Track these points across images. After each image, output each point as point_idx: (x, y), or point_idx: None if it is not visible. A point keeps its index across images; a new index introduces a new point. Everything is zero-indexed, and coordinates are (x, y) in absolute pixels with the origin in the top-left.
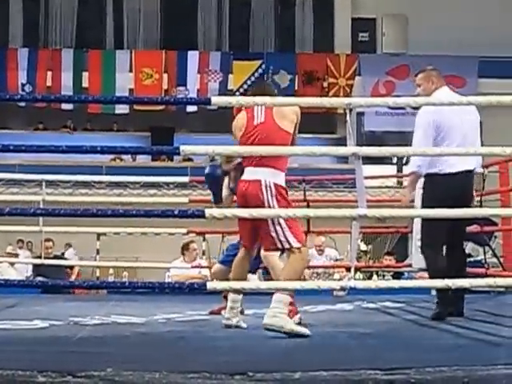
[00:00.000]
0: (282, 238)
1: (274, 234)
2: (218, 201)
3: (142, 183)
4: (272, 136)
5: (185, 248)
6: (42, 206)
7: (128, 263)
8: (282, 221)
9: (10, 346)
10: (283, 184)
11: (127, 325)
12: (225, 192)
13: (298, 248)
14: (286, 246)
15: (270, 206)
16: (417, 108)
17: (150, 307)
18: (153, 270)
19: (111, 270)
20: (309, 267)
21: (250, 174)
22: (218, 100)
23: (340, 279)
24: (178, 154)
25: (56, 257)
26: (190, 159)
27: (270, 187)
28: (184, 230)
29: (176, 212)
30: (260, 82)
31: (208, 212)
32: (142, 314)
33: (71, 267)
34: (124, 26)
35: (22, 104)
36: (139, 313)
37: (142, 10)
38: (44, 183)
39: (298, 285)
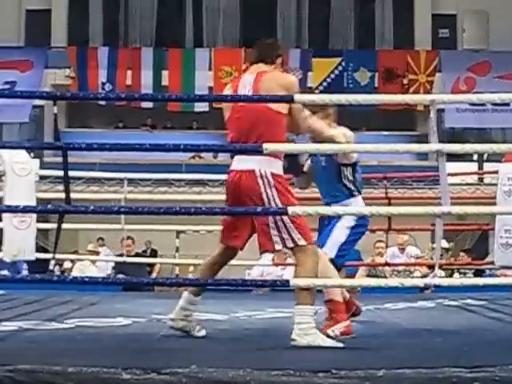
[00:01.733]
0: (285, 236)
1: (274, 232)
2: (297, 174)
3: (222, 181)
4: (258, 119)
5: None
6: (123, 204)
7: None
8: (285, 216)
9: (94, 343)
10: (281, 173)
11: (209, 322)
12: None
13: (305, 246)
14: (290, 244)
15: (269, 200)
16: (499, 104)
17: (231, 304)
18: (232, 267)
19: (191, 268)
20: (389, 265)
21: (240, 162)
22: (300, 97)
23: (423, 276)
24: (261, 152)
25: (137, 254)
26: None
27: (266, 177)
28: None
29: (259, 210)
30: None
31: (291, 209)
32: (224, 311)
33: (152, 265)
34: (203, 24)
35: (103, 103)
36: (220, 310)
37: (222, 8)
38: (126, 181)
39: (382, 283)
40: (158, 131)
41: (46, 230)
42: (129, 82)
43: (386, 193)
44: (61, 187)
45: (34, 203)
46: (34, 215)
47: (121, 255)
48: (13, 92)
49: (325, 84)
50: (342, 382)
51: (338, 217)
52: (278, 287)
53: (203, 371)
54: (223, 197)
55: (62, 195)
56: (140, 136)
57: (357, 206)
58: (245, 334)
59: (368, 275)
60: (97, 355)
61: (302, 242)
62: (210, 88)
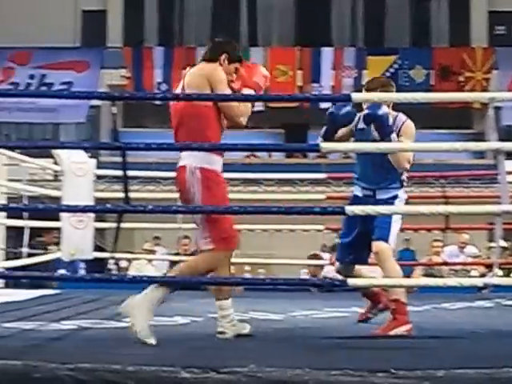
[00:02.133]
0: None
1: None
2: (327, 138)
3: (277, 180)
4: (183, 115)
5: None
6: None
7: (263, 260)
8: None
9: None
10: (214, 168)
11: (266, 321)
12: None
13: (209, 250)
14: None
15: (194, 196)
16: None
17: (287, 304)
18: (287, 267)
19: (247, 267)
20: (448, 264)
21: (180, 159)
22: (358, 96)
23: (481, 276)
24: (318, 151)
25: (193, 253)
26: (324, 156)
27: (194, 173)
28: (321, 227)
29: (316, 209)
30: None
31: (348, 209)
32: (280, 310)
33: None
34: (258, 22)
35: (158, 102)
36: (277, 309)
37: (276, 7)
38: None
39: (441, 282)
40: None
41: (103, 229)
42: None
43: (444, 191)
44: (117, 187)
45: (91, 203)
46: (92, 215)
47: (177, 254)
48: (71, 93)
49: None
50: (400, 381)
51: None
52: (336, 287)
53: (262, 370)
54: (278, 196)
55: (119, 195)
56: None
57: (403, 197)
58: (302, 333)
59: (424, 275)
60: (156, 354)
61: (207, 246)
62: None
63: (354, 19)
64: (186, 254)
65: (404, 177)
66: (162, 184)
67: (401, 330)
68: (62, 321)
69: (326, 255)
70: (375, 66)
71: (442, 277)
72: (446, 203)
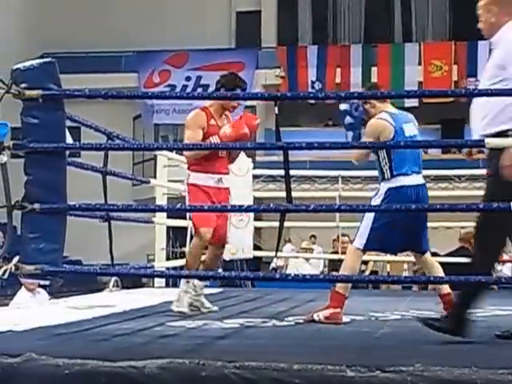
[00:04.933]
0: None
1: None
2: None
3: (433, 176)
4: None
5: None
6: (338, 202)
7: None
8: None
9: (314, 340)
10: (197, 182)
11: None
12: None
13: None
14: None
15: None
16: None
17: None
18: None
19: (405, 266)
20: None
21: None
22: None
23: None
24: (483, 146)
25: None
26: (481, 151)
27: (185, 186)
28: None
29: (481, 206)
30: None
31: None
32: (441, 309)
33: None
34: (412, 18)
35: (312, 101)
36: (437, 308)
37: (431, 1)
38: (340, 179)
39: None
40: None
41: (259, 228)
42: (338, 79)
43: None
44: (272, 186)
45: (251, 202)
46: (252, 214)
47: (335, 252)
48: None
49: None
50: None
51: None
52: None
53: (428, 369)
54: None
55: (275, 194)
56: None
57: None
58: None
59: None
60: (320, 352)
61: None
62: (420, 83)
63: None
64: (344, 253)
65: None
66: (317, 182)
67: (324, 313)
68: (224, 319)
69: None
70: None
71: None
72: None
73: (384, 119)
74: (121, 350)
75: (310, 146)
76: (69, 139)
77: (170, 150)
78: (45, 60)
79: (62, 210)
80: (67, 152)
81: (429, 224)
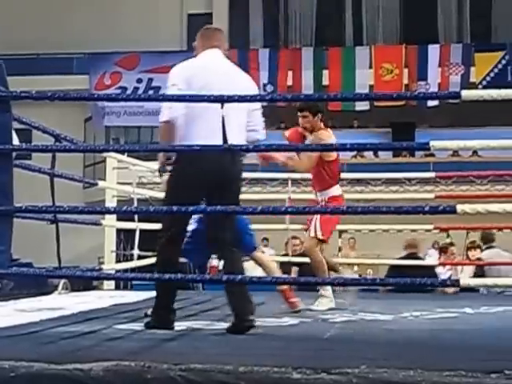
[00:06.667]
0: None
1: None
2: None
3: (384, 180)
4: None
5: (443, 251)
6: (287, 205)
7: (370, 260)
8: None
9: (261, 342)
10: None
11: (375, 322)
12: None
13: None
14: None
15: None
16: None
17: (396, 304)
18: None
19: (355, 268)
20: None
21: None
22: (468, 94)
23: None
24: (428, 149)
25: (301, 254)
26: (432, 154)
27: None
28: (429, 226)
29: (426, 208)
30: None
31: (460, 208)
32: (389, 311)
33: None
34: (363, 21)
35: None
36: (385, 310)
37: (381, 5)
38: (290, 181)
39: None
40: None
41: None
42: (290, 82)
43: None
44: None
45: None
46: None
47: (285, 255)
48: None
49: (488, 79)
50: None
51: None
52: (447, 286)
53: (373, 371)
54: (385, 195)
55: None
56: None
57: None
58: (412, 334)
59: None
60: (266, 354)
61: None
62: (371, 86)
63: (461, 15)
64: (294, 255)
65: None
66: (269, 185)
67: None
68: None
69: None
70: (483, 62)
71: None
72: None
73: None
74: (67, 352)
75: (256, 149)
76: (15, 141)
77: (119, 151)
78: None
79: (9, 211)
80: (14, 154)
81: (378, 226)
